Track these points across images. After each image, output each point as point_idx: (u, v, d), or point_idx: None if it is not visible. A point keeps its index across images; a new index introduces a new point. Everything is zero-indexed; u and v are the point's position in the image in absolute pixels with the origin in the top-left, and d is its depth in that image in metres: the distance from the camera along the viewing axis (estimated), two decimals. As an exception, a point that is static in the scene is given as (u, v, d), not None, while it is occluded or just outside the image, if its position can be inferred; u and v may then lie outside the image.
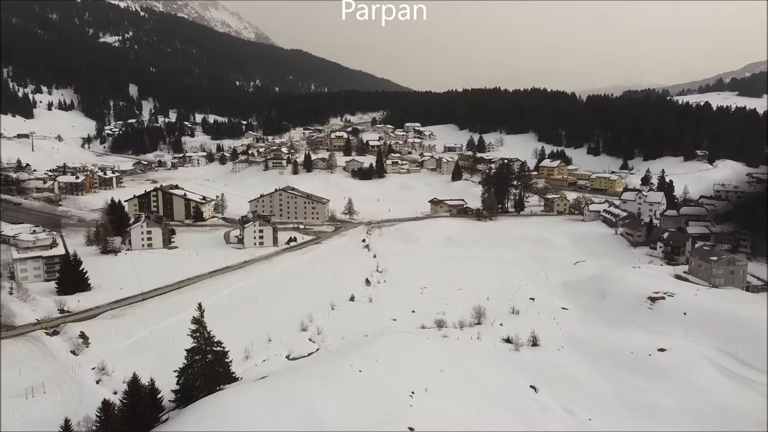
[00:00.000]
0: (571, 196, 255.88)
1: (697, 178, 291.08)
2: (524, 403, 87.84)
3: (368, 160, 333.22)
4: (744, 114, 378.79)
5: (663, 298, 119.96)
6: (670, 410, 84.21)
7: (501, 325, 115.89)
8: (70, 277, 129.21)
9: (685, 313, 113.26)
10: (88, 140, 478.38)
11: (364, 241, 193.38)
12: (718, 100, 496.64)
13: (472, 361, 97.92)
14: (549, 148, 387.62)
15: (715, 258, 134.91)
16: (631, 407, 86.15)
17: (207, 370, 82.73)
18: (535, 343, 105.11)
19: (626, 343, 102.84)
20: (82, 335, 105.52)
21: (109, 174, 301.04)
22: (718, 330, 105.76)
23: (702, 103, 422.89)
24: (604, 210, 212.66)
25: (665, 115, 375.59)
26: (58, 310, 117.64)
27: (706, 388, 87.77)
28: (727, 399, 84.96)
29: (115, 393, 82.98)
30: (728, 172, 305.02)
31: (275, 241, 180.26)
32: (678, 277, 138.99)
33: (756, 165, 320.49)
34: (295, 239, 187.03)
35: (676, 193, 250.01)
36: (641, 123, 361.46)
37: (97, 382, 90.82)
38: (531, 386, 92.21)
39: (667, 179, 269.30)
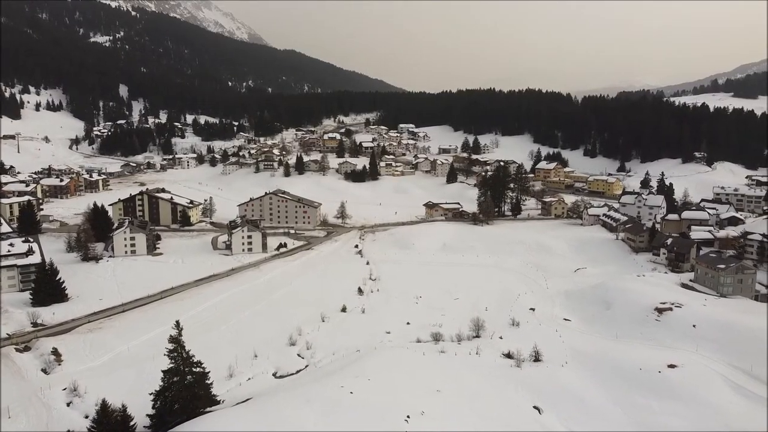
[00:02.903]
0: (569, 199, 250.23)
1: (697, 180, 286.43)
2: (527, 425, 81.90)
3: (361, 162, 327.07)
4: (741, 115, 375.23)
5: (670, 309, 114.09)
6: (685, 434, 78.28)
7: (501, 338, 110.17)
8: (45, 287, 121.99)
9: (694, 326, 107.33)
10: (76, 141, 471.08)
11: (356, 246, 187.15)
12: (713, 101, 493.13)
13: (471, 379, 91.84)
14: (545, 150, 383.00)
15: (723, 266, 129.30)
16: (643, 430, 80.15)
17: (185, 392, 76.35)
18: (537, 358, 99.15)
19: (634, 359, 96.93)
20: (55, 351, 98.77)
21: (96, 176, 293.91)
22: (730, 344, 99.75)
23: (699, 105, 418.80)
24: (604, 214, 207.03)
25: (662, 116, 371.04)
26: (31, 323, 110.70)
27: (721, 409, 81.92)
28: (745, 422, 79.06)
29: (87, 417, 77.49)
30: (727, 174, 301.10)
31: (264, 247, 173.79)
32: (684, 285, 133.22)
33: (755, 167, 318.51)
34: (285, 245, 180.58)
35: (675, 196, 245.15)
36: (638, 124, 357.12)
37: (68, 405, 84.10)
38: (534, 407, 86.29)
39: (667, 182, 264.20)
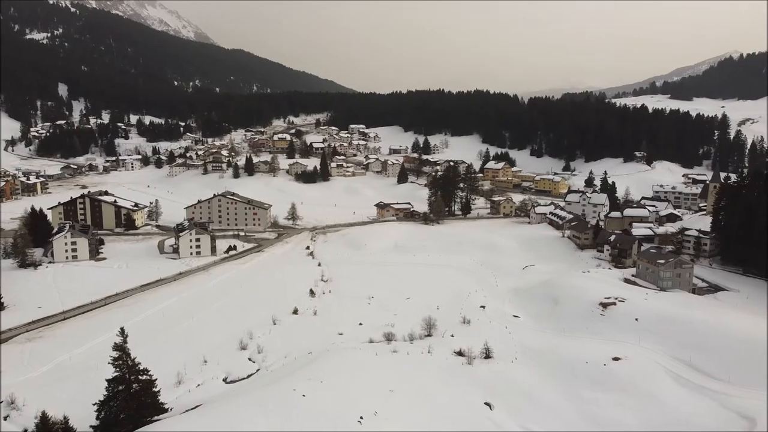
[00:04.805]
0: (517, 197, 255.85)
1: (637, 179, 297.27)
2: (479, 421, 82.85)
3: (312, 163, 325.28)
4: (678, 116, 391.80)
5: (614, 303, 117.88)
6: (630, 425, 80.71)
7: (452, 336, 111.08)
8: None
9: (636, 319, 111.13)
10: (12, 143, 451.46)
11: (308, 248, 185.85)
12: (652, 102, 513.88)
13: (423, 378, 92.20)
14: (493, 150, 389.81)
15: (663, 261, 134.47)
16: (591, 423, 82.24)
17: (131, 401, 74.07)
18: (488, 355, 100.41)
19: (581, 353, 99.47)
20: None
21: (33, 179, 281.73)
22: (670, 336, 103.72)
23: (638, 106, 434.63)
24: (551, 212, 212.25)
25: (605, 116, 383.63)
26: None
27: (664, 400, 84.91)
28: (687, 411, 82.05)
29: (26, 431, 73.75)
30: (666, 172, 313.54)
31: (213, 250, 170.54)
32: (627, 280, 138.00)
33: (690, 166, 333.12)
34: (234, 248, 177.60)
35: (618, 194, 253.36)
36: (582, 125, 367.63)
37: (5, 419, 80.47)
38: (486, 403, 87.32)
39: (610, 180, 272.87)
